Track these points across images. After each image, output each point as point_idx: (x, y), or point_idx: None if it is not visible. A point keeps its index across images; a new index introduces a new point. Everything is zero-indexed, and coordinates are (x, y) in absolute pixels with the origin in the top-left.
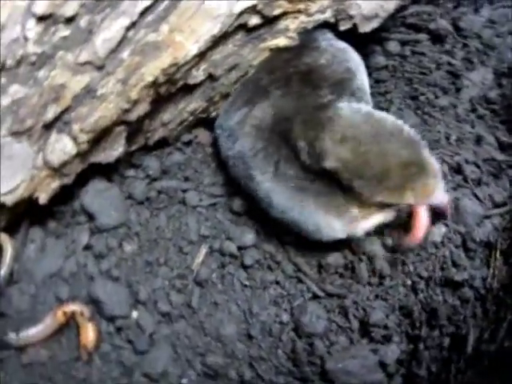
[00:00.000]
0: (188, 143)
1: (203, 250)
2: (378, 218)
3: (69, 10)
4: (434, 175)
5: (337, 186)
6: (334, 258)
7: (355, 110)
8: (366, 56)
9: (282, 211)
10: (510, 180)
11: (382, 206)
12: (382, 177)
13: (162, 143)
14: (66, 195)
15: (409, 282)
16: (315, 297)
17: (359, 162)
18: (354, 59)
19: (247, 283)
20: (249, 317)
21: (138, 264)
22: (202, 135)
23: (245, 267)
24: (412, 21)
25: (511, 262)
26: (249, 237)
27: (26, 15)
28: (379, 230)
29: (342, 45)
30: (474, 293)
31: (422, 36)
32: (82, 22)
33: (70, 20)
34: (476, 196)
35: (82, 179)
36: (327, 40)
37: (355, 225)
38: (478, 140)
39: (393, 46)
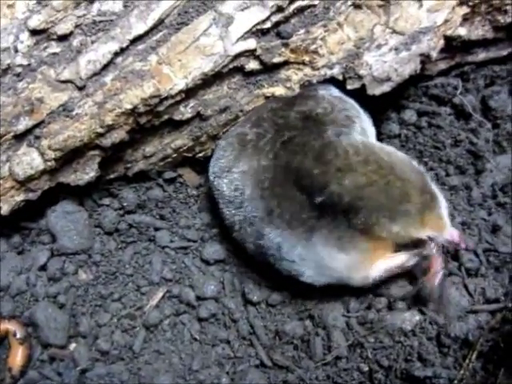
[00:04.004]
0: (170, 181)
1: (159, 294)
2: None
3: (64, 28)
4: (445, 207)
5: (351, 223)
6: (292, 327)
7: (363, 142)
8: (379, 122)
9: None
10: (511, 276)
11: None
12: (400, 202)
13: (144, 176)
14: (37, 213)
15: (366, 369)
16: (261, 365)
17: (376, 190)
18: (354, 107)
19: (197, 337)
20: (188, 373)
21: (90, 295)
22: (188, 175)
23: (199, 319)
24: (435, 92)
25: (489, 367)
26: (210, 288)
27: (21, 27)
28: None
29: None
30: None
31: (444, 109)
32: (75, 41)
33: (63, 38)
34: (466, 287)
35: (55, 199)
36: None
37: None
38: (494, 229)
39: (409, 115)
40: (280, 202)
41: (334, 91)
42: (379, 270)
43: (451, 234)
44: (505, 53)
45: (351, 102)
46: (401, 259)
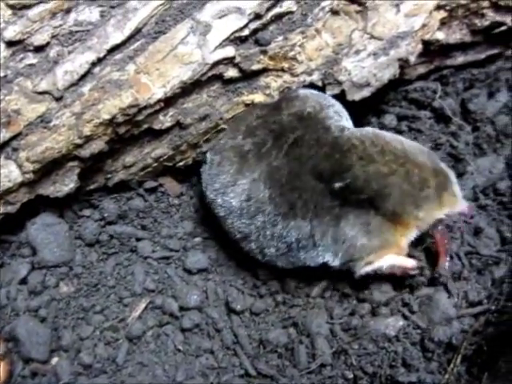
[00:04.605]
0: (151, 190)
1: (142, 305)
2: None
3: (40, 38)
4: (455, 182)
5: (379, 211)
6: (276, 335)
7: (374, 132)
8: (360, 127)
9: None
10: (493, 279)
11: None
12: (421, 189)
13: (124, 187)
14: (16, 226)
15: (350, 376)
16: (246, 374)
17: (399, 179)
18: (335, 101)
19: (181, 348)
20: None
21: (71, 308)
22: (170, 185)
23: (183, 330)
24: (415, 96)
25: (473, 371)
26: (194, 298)
27: None
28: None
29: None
30: None
31: (424, 113)
32: (52, 52)
33: (39, 49)
34: (449, 291)
35: (35, 211)
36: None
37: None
38: (476, 232)
39: (389, 120)
40: (301, 193)
41: (312, 89)
42: (387, 263)
43: (463, 207)
44: (483, 56)
45: (329, 97)
46: (409, 263)
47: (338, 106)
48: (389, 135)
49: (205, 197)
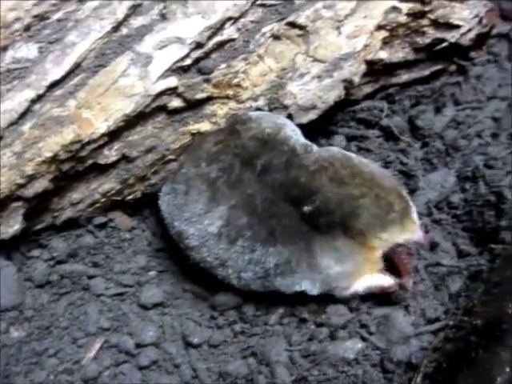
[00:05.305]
0: (101, 226)
1: (97, 345)
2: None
3: None
4: (415, 210)
5: (348, 233)
6: (236, 367)
7: (341, 153)
8: None
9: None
10: (450, 294)
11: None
12: (388, 212)
13: (73, 224)
14: None
15: None
16: None
17: (369, 202)
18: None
19: None
20: None
21: (23, 353)
22: (120, 219)
23: (140, 368)
24: (362, 116)
25: None
26: (150, 334)
27: None
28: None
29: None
30: None
31: (372, 132)
32: None
33: None
34: (408, 310)
35: None
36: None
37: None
38: (432, 247)
39: (338, 141)
40: (279, 219)
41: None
42: (363, 285)
43: (419, 235)
44: (427, 72)
45: (280, 115)
46: (385, 282)
47: (291, 123)
48: (354, 157)
49: (170, 228)
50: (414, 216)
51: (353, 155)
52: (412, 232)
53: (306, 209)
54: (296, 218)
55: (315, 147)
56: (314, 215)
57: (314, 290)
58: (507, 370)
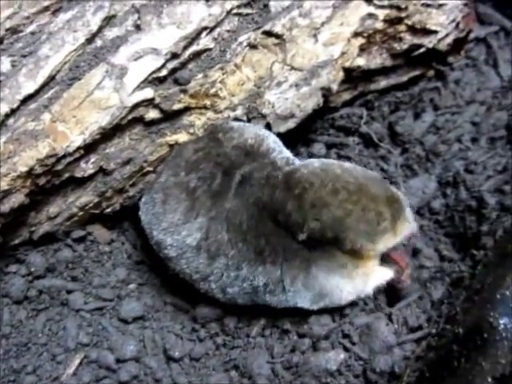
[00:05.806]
0: (80, 240)
1: (76, 361)
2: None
3: None
4: (407, 205)
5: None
6: (217, 380)
7: (320, 166)
8: None
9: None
10: (432, 301)
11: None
12: (378, 223)
13: (51, 238)
14: None
15: None
16: None
17: (355, 219)
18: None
19: None
20: None
21: (1, 371)
22: (98, 232)
23: (120, 383)
24: (341, 123)
25: None
26: (130, 348)
27: None
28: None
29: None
30: None
31: (352, 139)
32: None
33: None
34: (390, 318)
35: None
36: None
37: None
38: (415, 253)
39: (318, 149)
40: (268, 239)
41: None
42: (364, 290)
43: (413, 229)
44: (405, 78)
45: (261, 127)
46: (388, 274)
47: (273, 136)
48: (337, 165)
49: (150, 238)
50: (407, 214)
51: (335, 164)
52: (406, 230)
53: (300, 238)
54: (286, 238)
55: (297, 161)
56: (307, 240)
57: (313, 305)
58: (489, 380)
